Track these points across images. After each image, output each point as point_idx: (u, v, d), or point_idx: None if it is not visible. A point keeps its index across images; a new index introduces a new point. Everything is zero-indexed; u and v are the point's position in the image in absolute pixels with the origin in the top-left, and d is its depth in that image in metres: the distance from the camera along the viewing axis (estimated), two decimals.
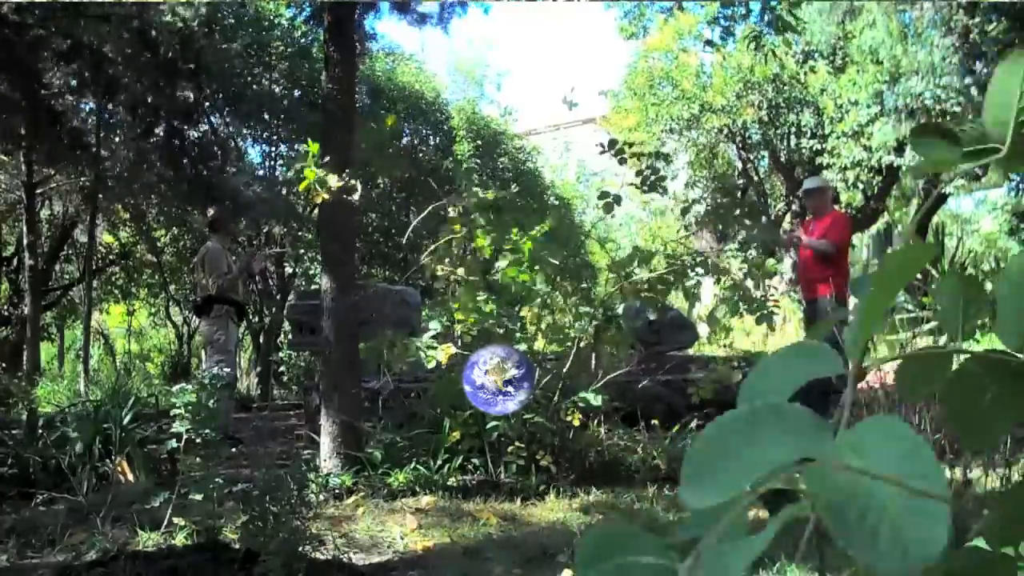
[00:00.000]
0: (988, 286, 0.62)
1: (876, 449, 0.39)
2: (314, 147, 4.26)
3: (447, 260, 4.72)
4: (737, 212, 5.55)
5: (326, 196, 4.22)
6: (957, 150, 0.62)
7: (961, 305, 0.61)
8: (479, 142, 12.67)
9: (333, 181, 4.19)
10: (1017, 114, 0.58)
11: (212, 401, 3.66)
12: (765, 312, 4.65)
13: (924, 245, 0.47)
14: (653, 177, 4.91)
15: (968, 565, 0.56)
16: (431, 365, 4.45)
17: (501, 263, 4.73)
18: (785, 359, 0.53)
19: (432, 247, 4.88)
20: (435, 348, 4.42)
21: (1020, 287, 0.56)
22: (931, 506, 0.35)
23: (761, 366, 0.53)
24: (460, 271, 4.67)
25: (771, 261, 5.26)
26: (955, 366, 0.60)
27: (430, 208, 5.45)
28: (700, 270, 4.82)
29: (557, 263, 4.82)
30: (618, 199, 4.86)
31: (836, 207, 7.24)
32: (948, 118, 10.09)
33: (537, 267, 4.70)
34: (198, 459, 3.45)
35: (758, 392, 0.51)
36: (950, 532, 0.36)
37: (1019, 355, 0.56)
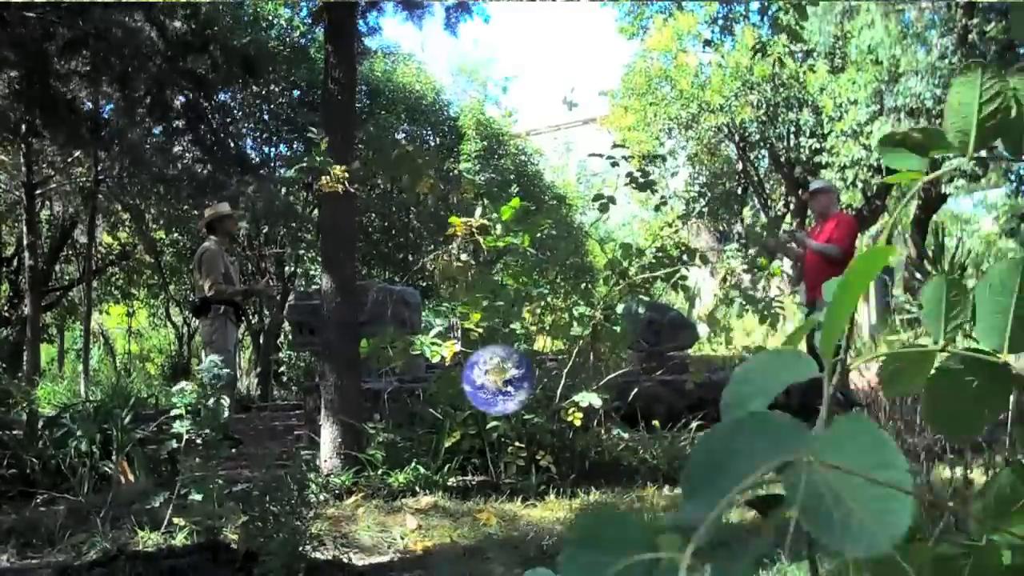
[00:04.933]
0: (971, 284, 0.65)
1: (846, 446, 0.42)
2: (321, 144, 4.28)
3: (450, 258, 4.72)
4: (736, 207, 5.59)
5: (336, 185, 4.23)
6: (924, 161, 0.65)
7: (944, 307, 0.64)
8: (484, 143, 12.70)
9: (338, 172, 4.21)
10: (978, 124, 0.62)
11: (212, 401, 3.65)
12: (770, 313, 4.66)
13: (884, 248, 0.51)
14: (642, 180, 4.98)
15: (954, 551, 0.60)
16: (435, 359, 4.45)
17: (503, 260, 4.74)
18: (763, 365, 0.55)
19: (436, 253, 4.89)
20: (439, 345, 4.42)
21: (998, 293, 0.61)
22: (894, 495, 0.39)
23: (741, 373, 0.56)
24: (464, 257, 4.68)
25: (776, 264, 5.25)
26: (937, 363, 0.64)
27: (429, 200, 5.46)
28: (695, 262, 4.83)
29: (556, 261, 4.81)
30: (612, 200, 4.93)
31: (840, 208, 7.22)
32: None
33: (536, 274, 4.70)
34: (198, 459, 3.44)
35: (740, 399, 0.54)
36: (915, 517, 0.38)
37: (997, 355, 0.60)
